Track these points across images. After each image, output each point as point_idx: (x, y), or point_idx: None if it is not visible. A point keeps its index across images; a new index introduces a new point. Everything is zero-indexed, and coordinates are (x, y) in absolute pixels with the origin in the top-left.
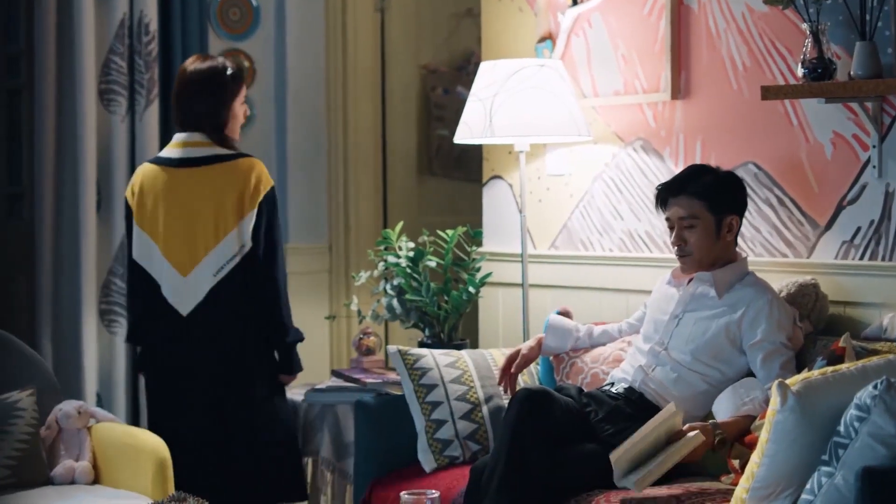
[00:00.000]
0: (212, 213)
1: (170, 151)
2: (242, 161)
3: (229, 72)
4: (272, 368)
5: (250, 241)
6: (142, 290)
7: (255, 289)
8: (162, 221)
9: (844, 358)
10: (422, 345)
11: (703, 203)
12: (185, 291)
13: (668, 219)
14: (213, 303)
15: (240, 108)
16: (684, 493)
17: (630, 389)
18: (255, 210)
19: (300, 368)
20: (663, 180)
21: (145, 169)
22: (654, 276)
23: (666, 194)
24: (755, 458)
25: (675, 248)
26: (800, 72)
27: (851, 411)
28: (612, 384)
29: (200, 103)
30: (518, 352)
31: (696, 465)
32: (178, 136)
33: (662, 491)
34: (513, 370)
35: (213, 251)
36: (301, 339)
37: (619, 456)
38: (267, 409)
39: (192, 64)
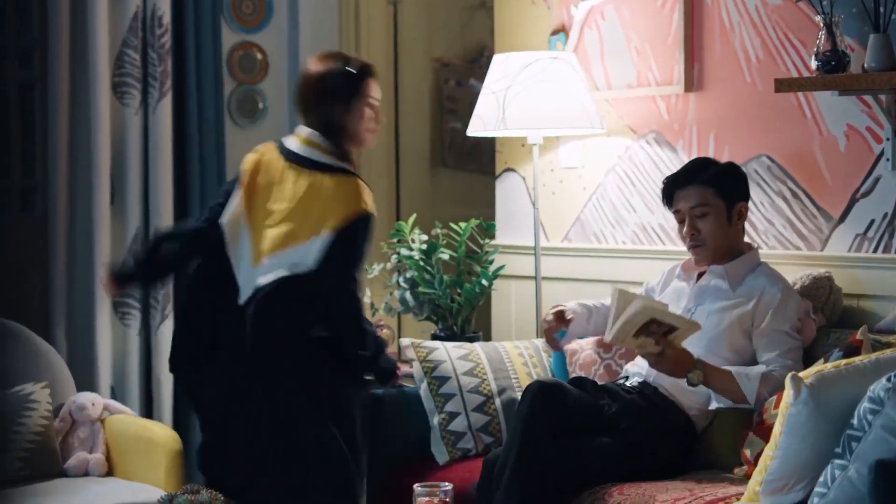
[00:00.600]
0: (294, 219)
1: (292, 142)
2: (344, 180)
3: (346, 72)
4: (321, 405)
5: (313, 264)
6: (189, 248)
7: (311, 316)
8: (261, 206)
9: (861, 350)
10: (434, 337)
11: (714, 190)
12: (248, 280)
13: (677, 212)
14: (262, 307)
15: (361, 115)
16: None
17: (644, 384)
18: (332, 235)
19: (388, 374)
20: (663, 180)
21: (270, 149)
22: (666, 268)
23: (673, 187)
24: (768, 450)
25: (688, 238)
26: (813, 64)
27: (865, 404)
28: (627, 378)
29: (316, 107)
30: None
31: (710, 457)
32: (303, 130)
33: (674, 485)
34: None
35: (276, 254)
36: (379, 350)
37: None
38: (313, 452)
39: (311, 65)
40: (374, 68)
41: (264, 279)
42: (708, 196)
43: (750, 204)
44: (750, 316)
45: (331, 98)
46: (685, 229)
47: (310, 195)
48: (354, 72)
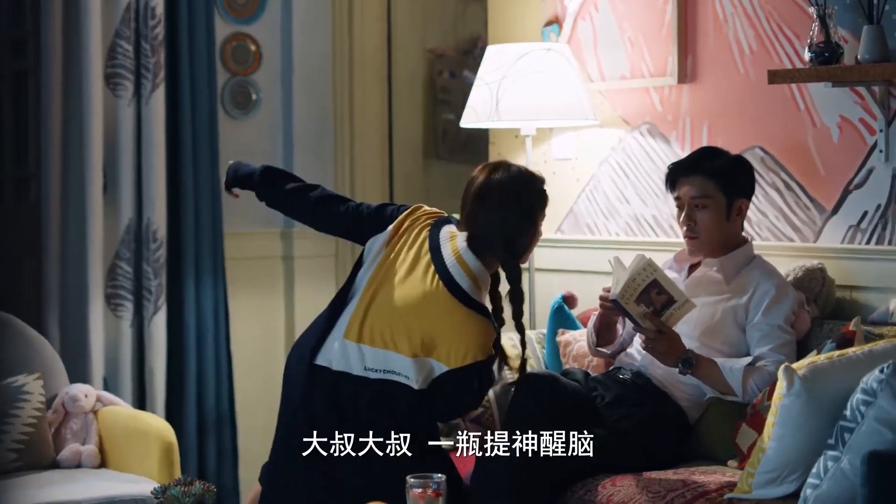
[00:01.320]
0: (409, 325)
1: (448, 248)
2: (476, 321)
3: (542, 189)
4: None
5: (416, 384)
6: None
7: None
8: (384, 274)
9: (854, 341)
10: None
11: (716, 183)
12: (342, 350)
13: (677, 198)
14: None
15: (540, 229)
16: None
17: (637, 374)
18: (446, 370)
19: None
20: (669, 164)
21: (427, 227)
22: (660, 260)
23: (677, 174)
24: (761, 442)
25: (684, 228)
26: (807, 56)
27: (858, 395)
28: (620, 369)
29: (504, 219)
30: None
31: (703, 448)
32: (462, 243)
33: (666, 475)
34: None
35: (375, 349)
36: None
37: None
38: None
39: (497, 171)
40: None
41: (370, 373)
42: (710, 188)
43: None
44: (744, 309)
45: (521, 210)
46: (682, 218)
47: (440, 318)
48: (540, 183)
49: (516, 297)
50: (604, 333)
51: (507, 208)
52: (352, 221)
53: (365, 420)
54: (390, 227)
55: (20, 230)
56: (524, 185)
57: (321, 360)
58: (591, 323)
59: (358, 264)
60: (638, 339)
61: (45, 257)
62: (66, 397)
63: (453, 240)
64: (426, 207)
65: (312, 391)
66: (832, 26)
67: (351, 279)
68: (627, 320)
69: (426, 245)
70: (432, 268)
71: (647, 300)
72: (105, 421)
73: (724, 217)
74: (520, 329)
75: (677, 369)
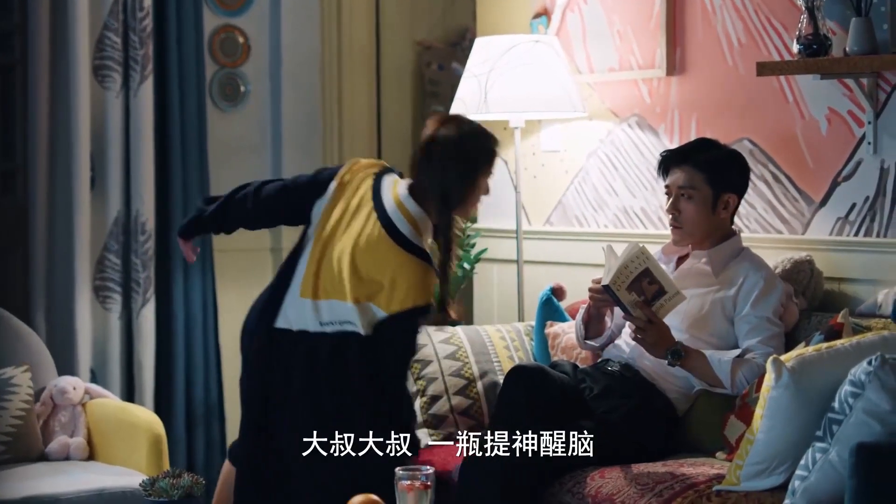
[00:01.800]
0: (359, 276)
1: (388, 196)
2: (419, 267)
3: (488, 145)
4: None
5: (363, 330)
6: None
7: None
8: (331, 228)
9: (842, 333)
10: None
11: (704, 176)
12: (300, 308)
13: (667, 186)
14: (330, 355)
15: (481, 191)
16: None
17: (626, 366)
18: (388, 316)
19: (416, 445)
20: (658, 157)
21: (369, 177)
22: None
23: (669, 162)
24: (750, 434)
25: (670, 216)
26: (795, 48)
27: (846, 387)
28: (608, 361)
29: (440, 171)
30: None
31: (691, 440)
32: (401, 189)
33: (655, 469)
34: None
35: (331, 301)
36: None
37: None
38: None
39: (444, 124)
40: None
41: (326, 326)
42: (697, 180)
43: None
44: (732, 301)
45: (462, 166)
46: (668, 206)
47: (380, 263)
48: (490, 141)
49: (444, 245)
50: (592, 326)
51: (449, 163)
52: (293, 194)
53: (322, 375)
54: (332, 185)
55: (7, 223)
56: (471, 142)
57: (281, 323)
58: (579, 315)
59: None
60: (627, 331)
61: (33, 250)
62: (55, 390)
63: (395, 187)
64: (364, 160)
65: (273, 355)
66: (820, 18)
67: (301, 241)
68: (617, 309)
69: (369, 193)
70: (374, 214)
71: (639, 289)
72: (93, 413)
73: (709, 209)
74: (442, 276)
75: (666, 361)
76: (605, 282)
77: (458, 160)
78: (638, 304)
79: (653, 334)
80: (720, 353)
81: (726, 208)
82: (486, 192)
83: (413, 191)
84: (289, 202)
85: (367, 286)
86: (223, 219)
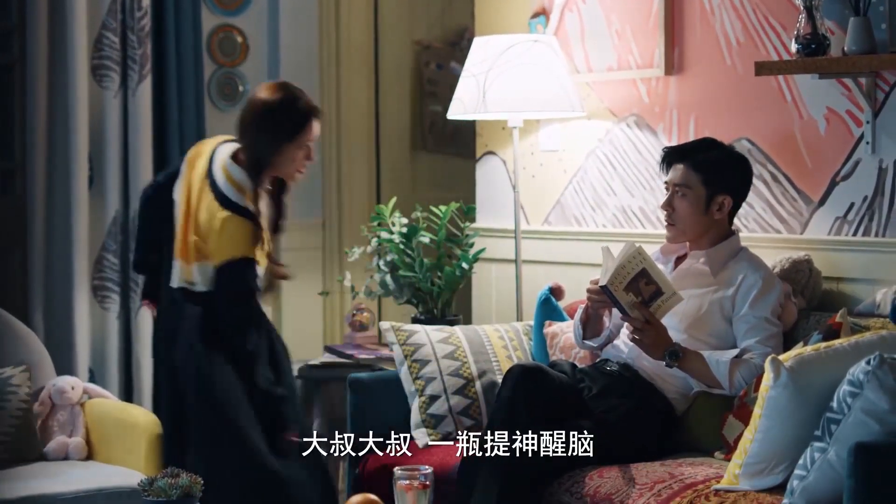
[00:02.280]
0: (200, 238)
1: (218, 164)
2: (241, 223)
3: (292, 110)
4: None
5: (204, 287)
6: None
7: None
8: (184, 199)
9: (841, 333)
10: (415, 321)
11: (699, 176)
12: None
13: (665, 182)
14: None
15: (293, 157)
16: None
17: (625, 366)
18: (216, 270)
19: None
20: (656, 156)
21: (209, 151)
22: (646, 251)
23: (669, 158)
24: (748, 433)
25: (665, 214)
26: (793, 47)
27: (844, 387)
28: (607, 361)
29: (253, 136)
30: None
31: (690, 440)
32: (226, 153)
33: (654, 469)
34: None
35: (193, 264)
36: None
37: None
38: None
39: (260, 91)
40: (319, 110)
41: (185, 284)
42: (692, 179)
43: None
44: (730, 301)
45: (269, 132)
46: (664, 202)
47: (210, 223)
48: (300, 111)
49: (274, 205)
50: (590, 326)
51: (258, 129)
52: (163, 189)
53: (181, 329)
54: (183, 166)
55: (6, 222)
56: (280, 109)
57: (172, 282)
58: (577, 315)
59: None
60: (625, 332)
61: (31, 249)
62: (53, 389)
63: (223, 154)
64: (210, 139)
65: (162, 311)
66: (819, 18)
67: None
68: (615, 310)
69: (206, 164)
70: (208, 181)
71: (636, 289)
72: (92, 413)
73: (702, 209)
74: (271, 232)
75: (664, 362)
76: (603, 282)
77: (265, 126)
78: (635, 305)
79: (650, 335)
80: (718, 354)
81: (720, 210)
82: (308, 158)
83: (235, 156)
84: (161, 192)
85: (202, 246)
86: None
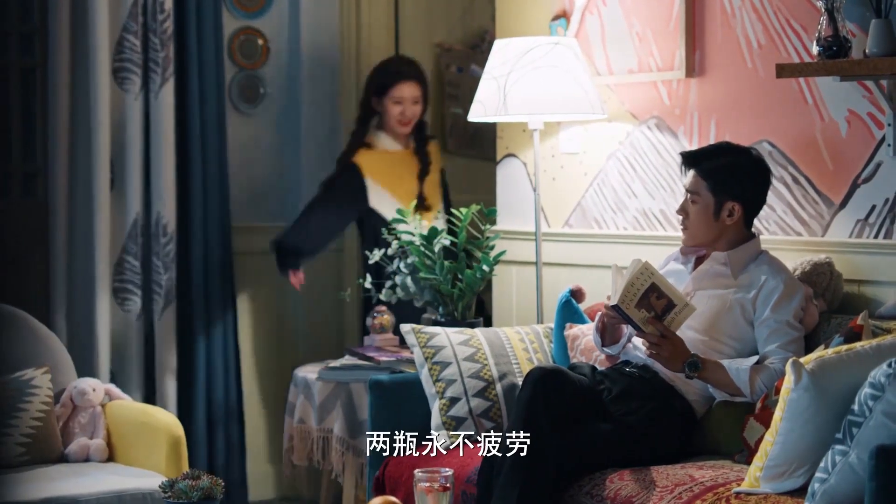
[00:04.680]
0: None
1: None
2: None
3: (378, 69)
4: None
5: None
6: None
7: None
8: None
9: (862, 336)
10: (435, 323)
11: (706, 183)
12: None
13: (685, 185)
14: None
15: (384, 108)
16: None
17: (644, 368)
18: None
19: None
20: (677, 159)
21: None
22: (667, 254)
23: (685, 162)
24: (769, 436)
25: (680, 220)
26: (815, 50)
27: (866, 390)
28: (627, 362)
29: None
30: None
31: (710, 442)
32: None
33: (676, 473)
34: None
35: None
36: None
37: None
38: None
39: None
40: (405, 71)
41: None
42: (700, 186)
43: None
44: (751, 304)
45: (367, 88)
46: (679, 207)
47: None
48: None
49: None
50: (608, 335)
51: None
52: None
53: None
54: None
55: (28, 224)
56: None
57: None
58: (594, 323)
59: None
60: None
61: (53, 251)
62: (74, 391)
63: None
64: None
65: None
66: (840, 20)
67: None
68: (631, 327)
69: None
70: None
71: (648, 305)
72: (113, 415)
73: (711, 216)
74: None
75: (683, 374)
76: (614, 302)
77: None
78: (649, 321)
79: (667, 348)
80: (738, 362)
81: (731, 215)
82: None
83: None
84: None
85: None
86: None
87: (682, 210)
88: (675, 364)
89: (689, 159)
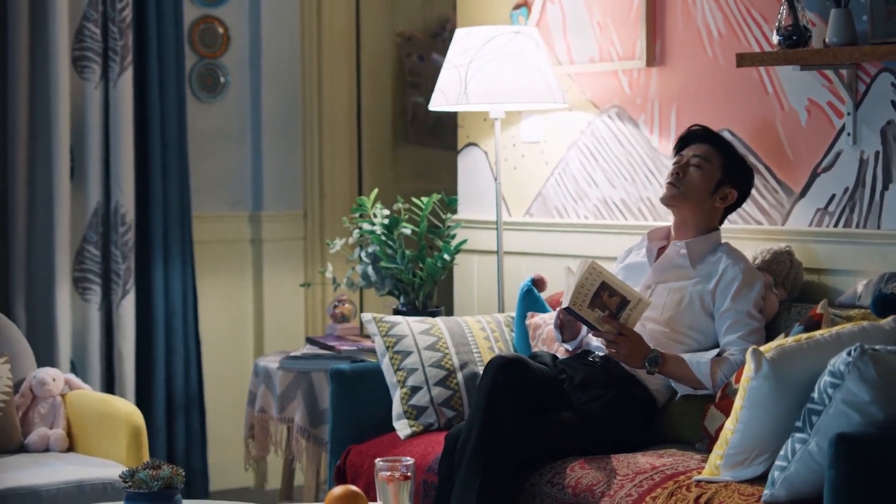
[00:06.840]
0: None
1: None
2: None
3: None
4: None
5: None
6: None
7: None
8: None
9: (822, 324)
10: (396, 312)
11: (722, 159)
12: None
13: (680, 155)
14: None
15: None
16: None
17: (606, 357)
18: None
19: None
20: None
21: None
22: (628, 243)
23: (693, 137)
24: (729, 424)
25: (672, 175)
26: (775, 39)
27: (825, 378)
28: (589, 352)
29: None
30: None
31: (671, 431)
32: None
33: (639, 461)
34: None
35: None
36: None
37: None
38: None
39: None
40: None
41: None
42: (714, 160)
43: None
44: (710, 295)
45: None
46: (674, 167)
47: None
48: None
49: None
50: (567, 330)
51: None
52: None
53: None
54: None
55: None
56: None
57: None
58: (553, 319)
59: None
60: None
61: (12, 241)
62: (34, 381)
63: None
64: None
65: None
66: (800, 9)
67: None
68: (587, 327)
69: None
70: None
71: (601, 304)
72: (73, 405)
73: (710, 188)
74: None
75: (644, 370)
76: (565, 304)
77: None
78: (604, 319)
79: (626, 345)
80: (698, 355)
81: (723, 199)
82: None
83: None
84: None
85: None
86: None
87: (682, 168)
88: (634, 360)
89: (707, 135)
